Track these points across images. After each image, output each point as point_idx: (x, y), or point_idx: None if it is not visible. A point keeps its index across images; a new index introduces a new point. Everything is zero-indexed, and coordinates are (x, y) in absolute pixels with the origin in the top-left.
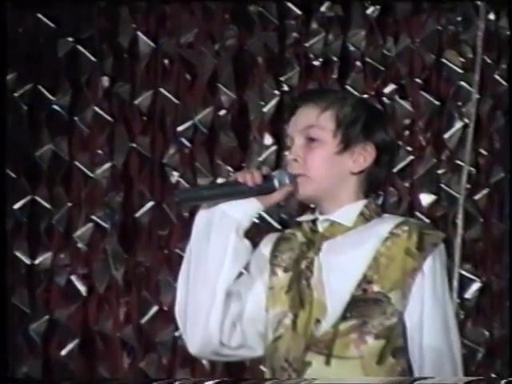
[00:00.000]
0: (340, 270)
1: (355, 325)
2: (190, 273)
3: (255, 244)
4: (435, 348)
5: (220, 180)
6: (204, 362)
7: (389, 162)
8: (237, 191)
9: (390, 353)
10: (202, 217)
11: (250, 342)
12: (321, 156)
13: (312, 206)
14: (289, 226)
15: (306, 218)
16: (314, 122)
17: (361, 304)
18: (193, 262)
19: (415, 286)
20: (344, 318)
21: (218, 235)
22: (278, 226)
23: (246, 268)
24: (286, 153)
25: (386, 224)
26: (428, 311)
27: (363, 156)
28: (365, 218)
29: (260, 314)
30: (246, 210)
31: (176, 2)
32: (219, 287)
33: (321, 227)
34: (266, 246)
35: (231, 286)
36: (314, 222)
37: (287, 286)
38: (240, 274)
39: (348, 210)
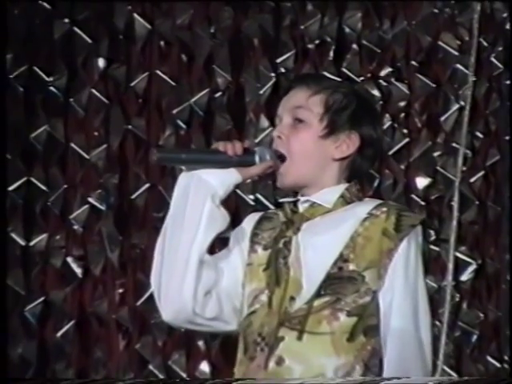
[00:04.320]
0: (317, 249)
1: (329, 301)
2: (165, 239)
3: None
4: (402, 329)
5: None
6: (199, 343)
7: (372, 155)
8: (216, 159)
9: (362, 331)
10: (182, 181)
11: (225, 315)
12: (305, 137)
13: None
14: None
15: (287, 199)
16: (303, 104)
17: (335, 282)
18: (169, 228)
19: (391, 266)
20: (318, 295)
21: (194, 201)
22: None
23: (225, 242)
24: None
25: (365, 206)
26: (398, 292)
27: (347, 144)
28: (345, 200)
29: (236, 290)
30: (224, 178)
31: None
32: (193, 254)
33: (301, 208)
34: (249, 223)
35: (207, 256)
36: (295, 203)
37: (265, 264)
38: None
39: (328, 193)
